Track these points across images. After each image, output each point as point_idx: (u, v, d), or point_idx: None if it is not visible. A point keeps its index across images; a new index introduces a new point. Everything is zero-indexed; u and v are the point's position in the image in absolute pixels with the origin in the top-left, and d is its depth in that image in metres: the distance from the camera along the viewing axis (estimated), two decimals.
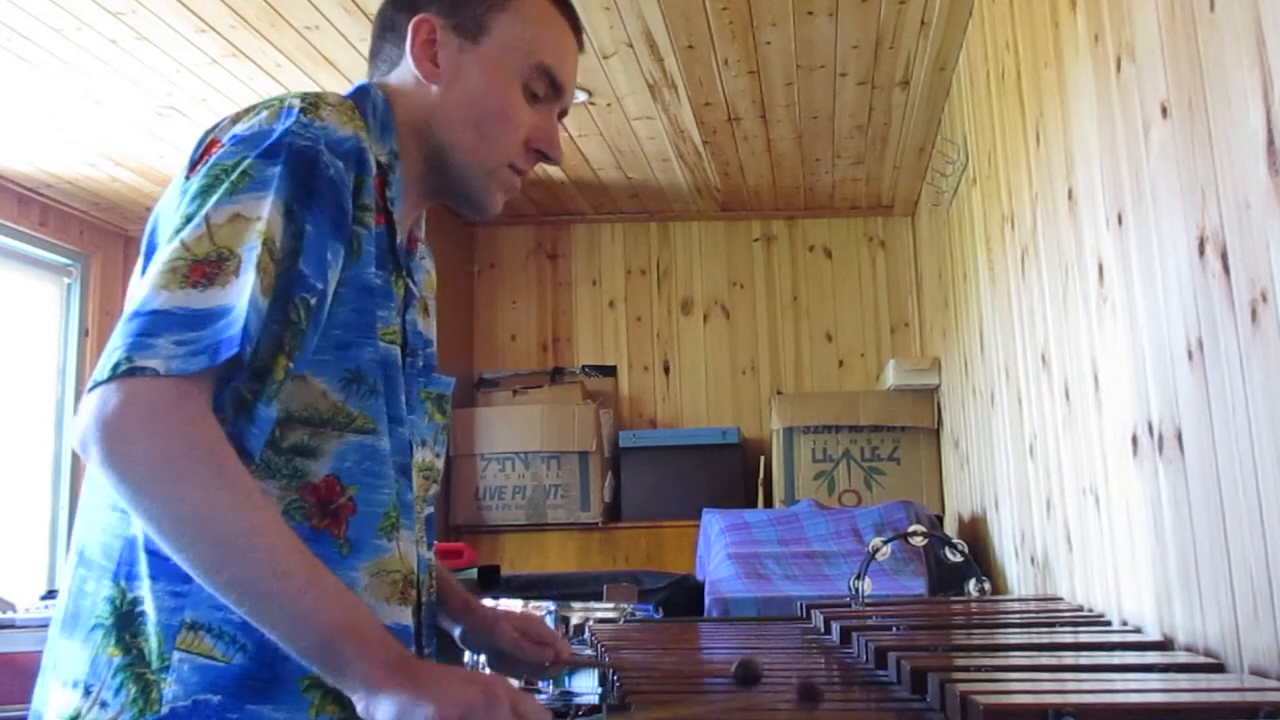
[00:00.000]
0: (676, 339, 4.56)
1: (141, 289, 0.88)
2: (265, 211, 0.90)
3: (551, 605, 2.48)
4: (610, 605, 2.56)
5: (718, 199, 4.41)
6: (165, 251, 0.89)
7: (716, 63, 3.09)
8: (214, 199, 0.91)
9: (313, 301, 0.92)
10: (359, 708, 0.85)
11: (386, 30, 1.14)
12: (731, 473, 4.16)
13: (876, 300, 4.53)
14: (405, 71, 1.11)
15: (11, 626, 2.76)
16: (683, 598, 3.26)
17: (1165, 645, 1.41)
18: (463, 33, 1.09)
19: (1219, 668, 1.23)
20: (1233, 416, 1.18)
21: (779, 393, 4.40)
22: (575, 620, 2.57)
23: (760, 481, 4.19)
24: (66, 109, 3.30)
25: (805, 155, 3.91)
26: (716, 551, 3.24)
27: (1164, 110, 1.36)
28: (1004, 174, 2.46)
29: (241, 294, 0.87)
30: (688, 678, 1.41)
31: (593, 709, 2.29)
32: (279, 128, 0.94)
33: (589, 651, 2.45)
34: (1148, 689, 1.12)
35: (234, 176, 0.92)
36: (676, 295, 4.59)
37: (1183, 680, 1.18)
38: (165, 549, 0.86)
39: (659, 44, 2.96)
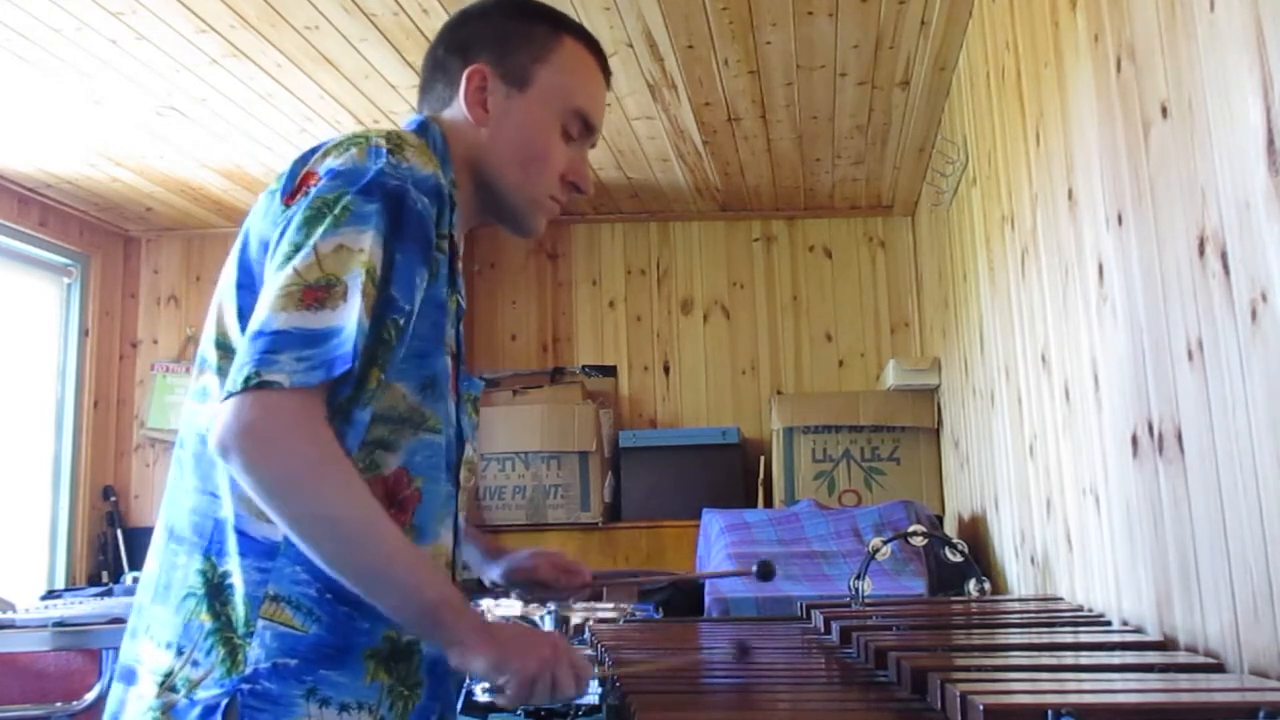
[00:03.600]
0: (676, 339, 4.56)
1: (261, 310, 1.00)
2: (366, 244, 1.02)
3: (551, 605, 2.47)
4: (610, 605, 2.56)
5: (718, 199, 4.41)
6: (280, 277, 1.01)
7: (716, 63, 3.09)
8: (320, 231, 1.02)
9: (401, 322, 1.06)
10: (453, 663, 1.03)
11: (438, 70, 1.27)
12: (731, 473, 4.15)
13: (876, 300, 4.52)
14: (457, 111, 1.24)
15: (11, 626, 2.74)
16: (683, 598, 3.26)
17: (1165, 645, 1.41)
18: (510, 81, 1.23)
19: (1219, 668, 1.23)
20: (1233, 416, 1.18)
21: (779, 393, 4.40)
22: (575, 620, 2.57)
23: (760, 481, 4.19)
24: (66, 109, 3.30)
25: (805, 155, 3.91)
26: (716, 551, 3.24)
27: (1164, 110, 1.36)
28: (1004, 174, 2.46)
29: (350, 316, 1.00)
30: (688, 677, 1.42)
31: (592, 709, 2.28)
32: (372, 167, 1.06)
33: (589, 651, 2.45)
34: (1148, 689, 1.12)
35: (336, 211, 1.03)
36: (676, 295, 4.59)
37: (1183, 680, 1.18)
38: (299, 540, 0.99)
39: (659, 44, 2.96)
